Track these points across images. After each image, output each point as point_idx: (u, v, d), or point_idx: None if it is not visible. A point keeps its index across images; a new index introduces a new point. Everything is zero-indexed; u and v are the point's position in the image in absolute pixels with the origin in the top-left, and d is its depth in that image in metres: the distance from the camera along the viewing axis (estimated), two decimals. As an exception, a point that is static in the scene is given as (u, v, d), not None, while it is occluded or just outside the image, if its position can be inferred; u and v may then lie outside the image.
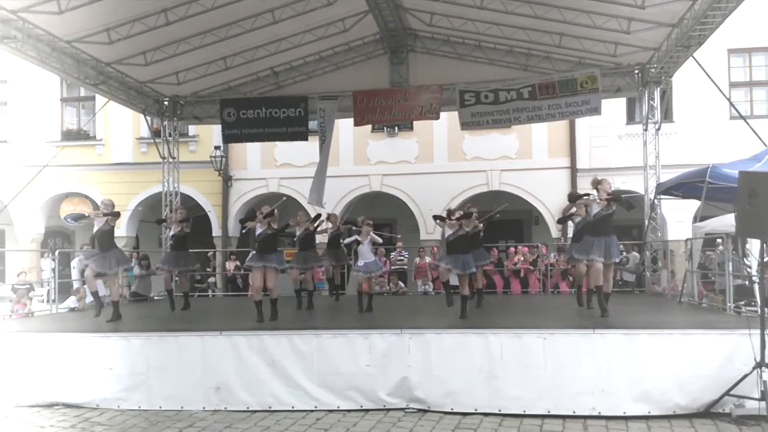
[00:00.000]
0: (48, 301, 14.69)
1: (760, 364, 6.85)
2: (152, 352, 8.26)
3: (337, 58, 15.34)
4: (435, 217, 9.99)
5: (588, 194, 9.40)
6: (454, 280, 9.92)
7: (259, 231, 9.74)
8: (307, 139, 15.52)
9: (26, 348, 8.50)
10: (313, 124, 15.53)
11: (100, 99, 16.55)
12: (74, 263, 14.50)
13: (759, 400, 6.75)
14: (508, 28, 13.42)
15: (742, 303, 9.64)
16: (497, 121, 14.47)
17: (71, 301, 12.99)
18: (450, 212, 9.70)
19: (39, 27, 11.38)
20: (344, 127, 17.56)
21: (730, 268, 9.63)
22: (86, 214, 10.05)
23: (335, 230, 11.68)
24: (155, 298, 14.77)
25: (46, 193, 19.43)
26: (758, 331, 6.93)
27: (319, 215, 12.10)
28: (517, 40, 13.93)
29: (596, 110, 13.80)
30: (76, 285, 13.47)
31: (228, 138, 16.01)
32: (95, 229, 10.12)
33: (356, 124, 15.20)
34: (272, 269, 9.59)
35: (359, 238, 10.52)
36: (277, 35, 13.62)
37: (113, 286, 10.27)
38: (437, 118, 14.90)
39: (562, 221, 11.06)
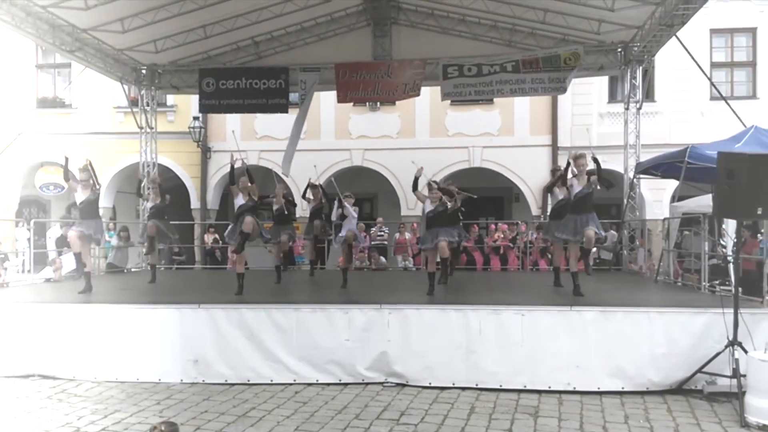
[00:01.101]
0: (23, 271, 14.51)
1: (732, 343, 6.97)
2: (130, 324, 8.20)
3: (319, 29, 15.13)
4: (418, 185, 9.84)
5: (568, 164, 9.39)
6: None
7: (241, 203, 9.63)
8: (287, 112, 15.34)
9: (2, 318, 8.40)
10: (293, 96, 15.35)
11: (76, 66, 16.21)
12: (50, 233, 14.31)
13: (730, 377, 6.87)
14: (493, 2, 13.32)
15: (717, 282, 9.79)
16: (480, 92, 14.38)
17: (47, 272, 12.84)
18: (432, 184, 9.70)
19: (13, -10, 11.07)
20: (326, 101, 17.40)
21: (706, 248, 9.75)
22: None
23: (317, 203, 11.61)
24: (132, 270, 14.65)
25: (21, 161, 19.07)
26: (731, 310, 7.04)
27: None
28: (502, 15, 13.84)
29: (563, 88, 13.86)
30: (51, 255, 13.30)
31: (205, 108, 15.79)
32: (81, 199, 9.92)
33: (339, 100, 15.04)
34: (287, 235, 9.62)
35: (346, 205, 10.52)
36: (259, 4, 13.38)
37: (87, 258, 10.15)
38: (418, 94, 14.79)
39: (549, 189, 10.90)
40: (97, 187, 10.03)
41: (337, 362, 7.92)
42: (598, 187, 8.99)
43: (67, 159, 10.05)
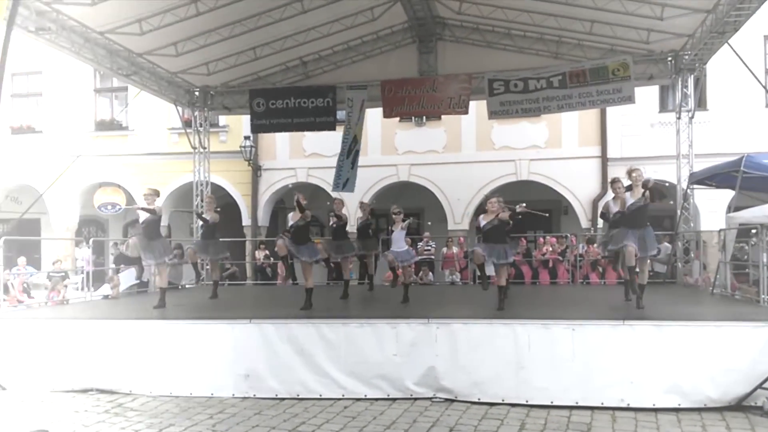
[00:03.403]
0: (82, 288, 15.00)
1: (794, 358, 6.73)
2: (183, 339, 8.41)
3: (365, 48, 15.32)
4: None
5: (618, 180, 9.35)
6: (489, 270, 9.87)
7: (291, 222, 9.76)
8: (334, 129, 15.53)
9: (62, 334, 8.72)
10: (341, 114, 15.55)
11: (132, 89, 16.78)
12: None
13: (792, 393, 6.63)
14: (538, 15, 13.26)
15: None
16: (526, 110, 14.32)
17: (105, 289, 13.25)
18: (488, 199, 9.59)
19: (72, 18, 11.57)
20: (372, 117, 17.54)
21: (765, 260, 9.44)
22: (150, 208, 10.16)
23: (365, 219, 11.69)
24: (186, 286, 14.99)
25: (80, 182, 19.78)
26: (793, 324, 6.80)
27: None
28: (547, 27, 13.76)
29: (630, 98, 13.54)
30: (110, 273, 13.72)
31: (257, 128, 16.12)
32: (142, 218, 10.28)
33: (385, 115, 15.16)
34: (306, 263, 9.65)
35: (392, 227, 10.53)
36: (306, 25, 13.65)
37: (162, 275, 10.49)
38: (466, 112, 14.74)
39: (604, 218, 10.80)
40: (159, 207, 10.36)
41: (385, 377, 7.94)
42: (648, 201, 8.82)
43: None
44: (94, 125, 20.48)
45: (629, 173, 9.02)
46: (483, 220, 9.30)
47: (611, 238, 9.44)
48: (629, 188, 9.05)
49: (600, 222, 14.31)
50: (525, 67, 14.26)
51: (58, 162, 18.13)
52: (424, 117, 18.13)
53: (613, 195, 9.39)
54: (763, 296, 9.34)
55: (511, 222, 9.33)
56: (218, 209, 11.77)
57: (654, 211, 10.37)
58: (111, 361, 8.44)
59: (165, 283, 10.62)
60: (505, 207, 9.48)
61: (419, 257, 15.71)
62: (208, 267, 11.97)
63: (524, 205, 9.52)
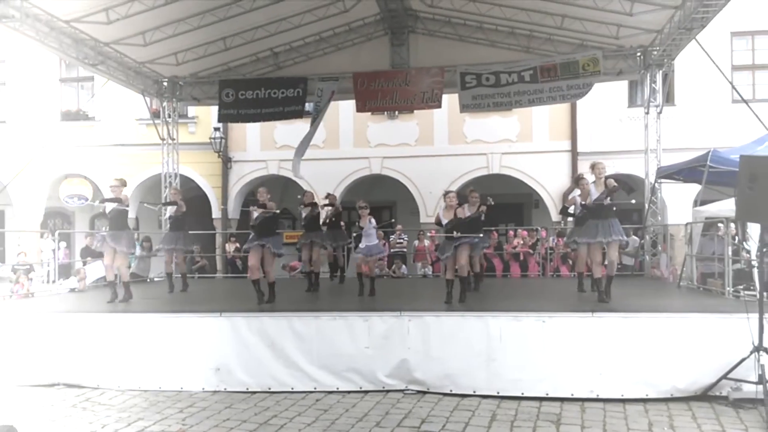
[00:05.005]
0: (48, 281, 14.72)
1: (757, 348, 6.86)
2: (152, 332, 8.30)
3: (337, 39, 15.23)
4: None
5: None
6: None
7: (256, 214, 9.62)
8: (302, 117, 15.43)
9: (28, 328, 8.54)
10: (309, 106, 15.44)
11: (99, 79, 16.46)
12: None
13: (756, 383, 6.76)
14: (510, 9, 13.31)
15: (741, 287, 9.65)
16: (498, 104, 14.39)
17: (72, 282, 13.02)
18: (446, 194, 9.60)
19: (37, 6, 11.30)
20: (344, 110, 17.51)
21: (729, 253, 9.63)
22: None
23: (335, 211, 11.66)
24: (154, 279, 14.80)
25: (46, 173, 19.38)
26: (756, 315, 6.94)
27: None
28: (519, 22, 13.82)
29: (589, 85, 13.72)
30: (77, 265, 13.48)
31: (223, 117, 15.88)
32: (109, 209, 10.09)
33: (358, 109, 15.10)
34: (269, 252, 9.54)
35: (360, 223, 10.47)
36: (278, 15, 13.50)
37: (123, 268, 10.29)
38: (439, 106, 14.75)
39: (564, 212, 11.07)
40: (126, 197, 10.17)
41: (358, 370, 7.93)
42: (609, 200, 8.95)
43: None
44: (59, 115, 20.04)
45: (592, 167, 9.22)
46: (443, 215, 9.31)
47: (579, 232, 9.61)
48: (592, 182, 9.22)
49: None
50: (497, 60, 14.33)
51: (22, 153, 17.75)
52: (397, 111, 18.11)
53: (579, 192, 9.51)
54: (728, 288, 9.54)
55: (482, 212, 9.39)
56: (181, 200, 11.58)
57: (622, 204, 10.56)
58: (78, 355, 8.30)
59: (127, 276, 10.39)
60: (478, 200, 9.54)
61: (392, 250, 15.76)
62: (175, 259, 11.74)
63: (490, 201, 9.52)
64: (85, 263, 13.82)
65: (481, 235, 9.61)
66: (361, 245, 10.41)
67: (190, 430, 6.57)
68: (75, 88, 20.63)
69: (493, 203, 9.40)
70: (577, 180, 9.68)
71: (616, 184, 8.87)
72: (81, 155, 19.48)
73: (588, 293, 10.15)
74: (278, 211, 9.96)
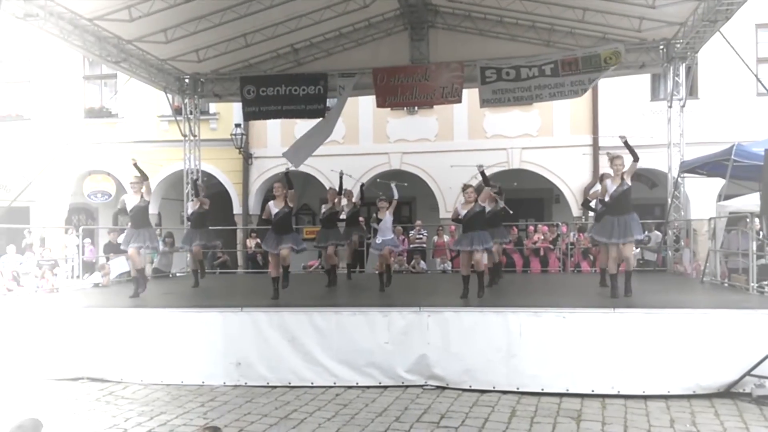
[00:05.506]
0: (72, 276, 14.94)
1: (782, 345, 6.78)
2: (174, 327, 8.39)
3: (357, 35, 15.23)
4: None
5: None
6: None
7: (275, 210, 9.56)
8: (324, 116, 15.45)
9: (53, 322, 8.68)
10: (331, 102, 15.48)
11: (121, 76, 16.63)
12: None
13: (781, 380, 6.69)
14: (531, 2, 13.20)
15: (765, 283, 9.52)
16: (519, 98, 14.28)
17: (96, 277, 13.20)
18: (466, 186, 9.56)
19: (61, 4, 11.44)
20: (364, 106, 17.51)
21: (754, 248, 9.50)
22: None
23: (352, 207, 11.68)
24: (177, 274, 14.94)
25: (70, 170, 19.64)
26: (781, 312, 6.85)
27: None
28: (540, 15, 13.72)
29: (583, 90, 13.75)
30: (101, 261, 13.66)
31: (248, 115, 15.98)
32: (130, 205, 10.20)
33: (379, 105, 15.08)
34: (287, 249, 9.54)
35: (378, 215, 10.49)
36: (297, 12, 13.54)
37: (136, 260, 10.40)
38: (459, 101, 14.67)
39: (585, 205, 10.99)
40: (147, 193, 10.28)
41: (377, 365, 7.96)
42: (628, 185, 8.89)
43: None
44: (83, 112, 20.27)
45: (611, 161, 9.05)
46: (462, 209, 9.29)
47: (597, 229, 9.56)
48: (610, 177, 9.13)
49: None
50: (517, 55, 14.20)
51: (47, 150, 17.99)
52: (416, 106, 18.08)
53: (599, 188, 9.47)
54: (752, 284, 9.41)
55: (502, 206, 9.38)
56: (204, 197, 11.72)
57: (644, 199, 10.45)
58: (102, 350, 8.42)
59: (141, 264, 10.55)
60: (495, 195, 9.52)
61: (411, 245, 15.77)
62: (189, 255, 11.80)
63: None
64: (108, 258, 13.99)
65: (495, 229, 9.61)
66: (377, 240, 10.42)
67: (212, 423, 6.63)
68: (98, 85, 20.85)
69: (485, 168, 9.44)
70: (601, 179, 9.60)
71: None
72: (104, 152, 19.71)
73: (607, 290, 10.05)
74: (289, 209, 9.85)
